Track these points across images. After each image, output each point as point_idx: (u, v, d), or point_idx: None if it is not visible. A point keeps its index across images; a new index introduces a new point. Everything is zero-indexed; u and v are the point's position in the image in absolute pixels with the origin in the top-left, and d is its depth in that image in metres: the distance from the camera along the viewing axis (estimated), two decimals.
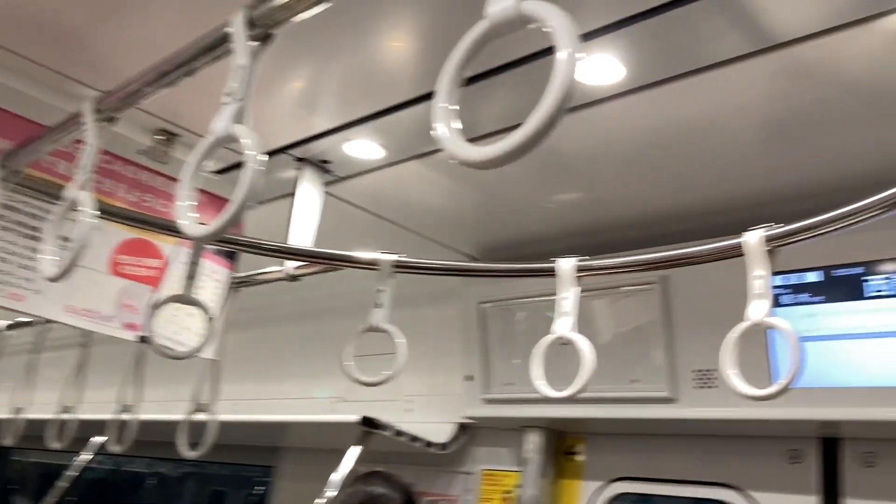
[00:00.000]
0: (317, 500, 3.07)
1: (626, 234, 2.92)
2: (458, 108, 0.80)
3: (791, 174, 2.37)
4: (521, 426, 3.24)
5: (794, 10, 1.59)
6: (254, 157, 1.06)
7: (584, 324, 2.88)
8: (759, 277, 1.58)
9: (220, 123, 1.15)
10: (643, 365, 2.75)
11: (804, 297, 2.41)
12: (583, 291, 2.84)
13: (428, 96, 2.01)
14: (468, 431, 3.54)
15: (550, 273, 1.92)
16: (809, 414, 2.34)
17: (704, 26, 1.67)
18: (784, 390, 1.50)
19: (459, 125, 0.79)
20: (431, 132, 0.82)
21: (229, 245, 2.07)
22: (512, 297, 3.17)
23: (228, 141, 1.14)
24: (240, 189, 1.04)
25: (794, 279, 2.43)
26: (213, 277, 2.53)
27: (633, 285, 2.82)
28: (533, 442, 3.20)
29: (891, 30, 1.62)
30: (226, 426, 2.70)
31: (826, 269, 2.37)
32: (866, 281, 2.28)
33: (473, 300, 3.30)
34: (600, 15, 1.66)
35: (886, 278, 2.25)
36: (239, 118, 1.15)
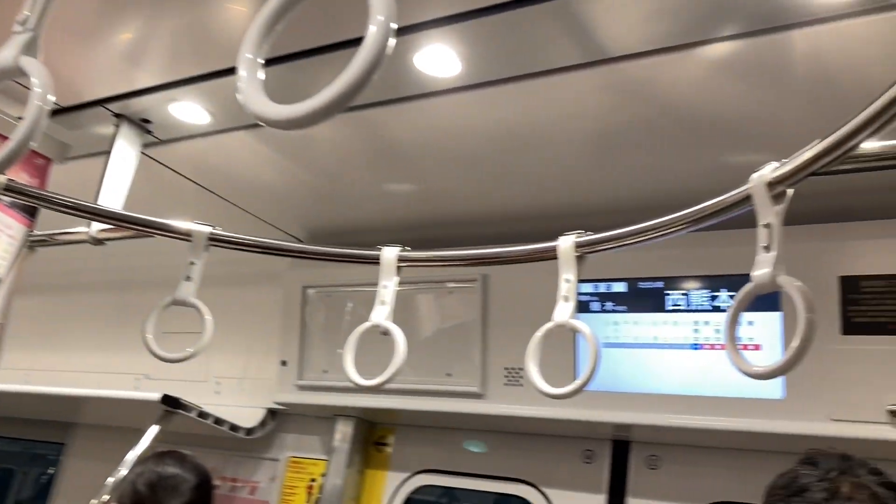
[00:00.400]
0: (108, 479, 2.89)
1: (456, 230, 2.96)
2: (263, 61, 0.76)
3: (613, 188, 2.48)
4: (333, 414, 3.20)
5: (623, 27, 1.66)
6: (40, 94, 0.95)
7: (410, 316, 2.92)
8: (567, 281, 1.63)
9: (7, 53, 1.03)
10: (458, 360, 2.80)
11: (610, 305, 2.54)
12: (411, 285, 2.88)
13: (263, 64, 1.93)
14: (278, 417, 3.45)
15: (374, 261, 1.90)
16: (605, 416, 2.47)
17: (540, 31, 1.70)
18: (579, 390, 1.55)
19: (262, 76, 0.74)
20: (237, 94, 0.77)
21: (22, 196, 1.88)
22: (338, 284, 3.12)
23: (15, 74, 1.03)
24: (21, 127, 0.94)
25: (602, 288, 2.55)
26: (6, 233, 2.30)
27: (457, 282, 2.86)
28: (343, 431, 3.16)
29: (707, 59, 1.73)
30: (11, 397, 2.47)
31: (631, 280, 2.51)
32: (667, 295, 2.44)
33: (297, 283, 3.22)
34: (439, 5, 1.66)
35: (684, 294, 2.41)
36: (30, 50, 1.03)
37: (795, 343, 1.21)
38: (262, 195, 2.97)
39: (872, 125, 1.09)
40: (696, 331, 2.37)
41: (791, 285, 1.22)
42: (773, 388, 2.22)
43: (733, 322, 1.34)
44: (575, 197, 2.57)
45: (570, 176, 2.44)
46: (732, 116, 1.94)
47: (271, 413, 3.43)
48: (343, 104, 0.66)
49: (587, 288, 2.57)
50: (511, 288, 2.70)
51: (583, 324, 1.60)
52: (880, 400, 2.06)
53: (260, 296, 3.54)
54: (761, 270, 1.26)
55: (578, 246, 1.63)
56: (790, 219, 1.28)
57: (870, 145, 1.15)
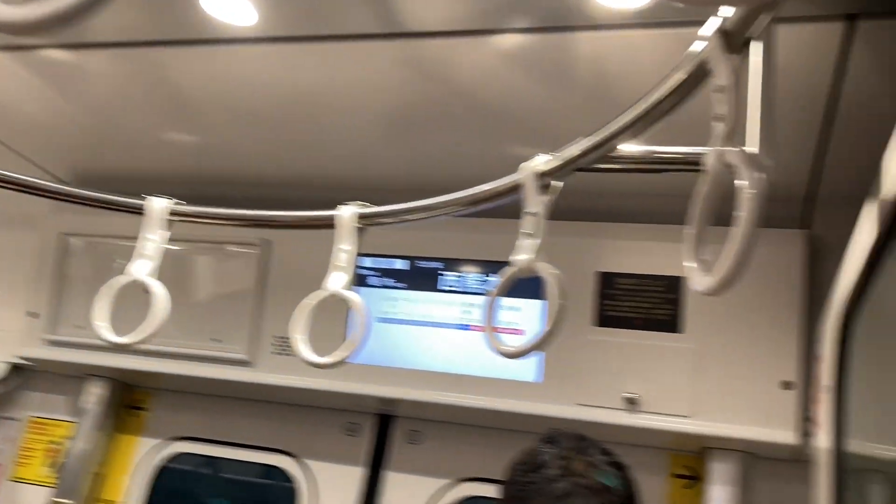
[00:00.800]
0: None
1: (240, 191, 2.82)
2: None
3: (403, 165, 2.50)
4: (86, 374, 2.97)
5: (422, 2, 1.66)
6: None
7: (183, 276, 2.77)
8: (344, 251, 1.62)
9: None
10: (229, 326, 2.69)
11: (390, 281, 2.56)
12: (188, 243, 2.72)
13: None
14: (23, 374, 3.15)
15: (139, 211, 1.79)
16: (371, 390, 2.49)
17: None
18: (342, 361, 1.55)
19: None
20: None
21: None
22: (106, 235, 2.88)
23: None
24: None
25: (383, 263, 2.57)
26: None
27: (238, 245, 2.76)
28: (94, 392, 2.94)
29: (499, 48, 1.78)
30: None
31: (412, 258, 2.55)
32: (442, 275, 2.50)
33: (55, 229, 2.95)
34: None
35: (459, 276, 2.49)
36: None
37: (546, 327, 1.28)
38: (24, 128, 2.68)
39: (630, 129, 1.17)
40: (465, 312, 2.45)
41: (547, 271, 1.29)
42: (532, 372, 2.34)
43: (492, 302, 1.39)
44: (365, 170, 2.56)
45: (361, 147, 2.42)
46: (518, 108, 2.01)
47: (15, 368, 3.12)
48: (83, 12, 0.59)
49: (368, 262, 2.57)
50: (293, 256, 2.64)
51: (353, 294, 1.60)
52: (619, 388, 2.24)
53: (11, 240, 3.21)
54: (522, 255, 1.32)
55: (360, 217, 1.63)
56: (558, 214, 1.35)
57: (629, 148, 1.23)
